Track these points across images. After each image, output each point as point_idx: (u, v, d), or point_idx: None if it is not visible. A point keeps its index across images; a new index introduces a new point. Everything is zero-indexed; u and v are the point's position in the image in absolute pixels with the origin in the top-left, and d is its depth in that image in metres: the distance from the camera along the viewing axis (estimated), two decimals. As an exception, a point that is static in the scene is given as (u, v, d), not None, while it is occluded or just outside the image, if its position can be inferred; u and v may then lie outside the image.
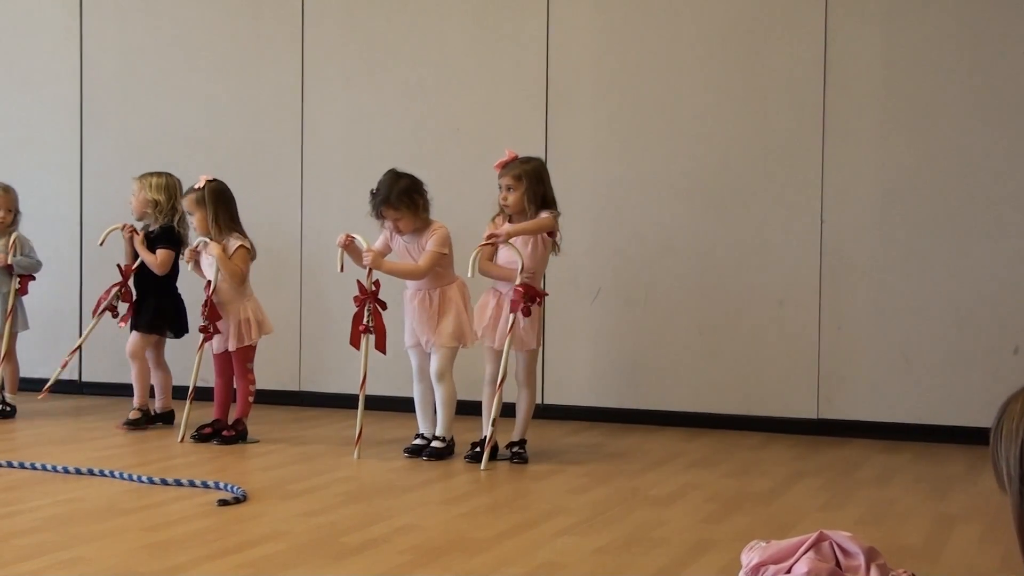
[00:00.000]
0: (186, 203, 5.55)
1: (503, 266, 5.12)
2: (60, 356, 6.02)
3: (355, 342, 5.18)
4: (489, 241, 5.10)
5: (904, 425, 5.81)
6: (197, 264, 5.53)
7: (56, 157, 7.07)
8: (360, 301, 5.14)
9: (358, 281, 5.15)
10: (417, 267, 5.14)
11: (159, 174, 5.90)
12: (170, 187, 5.86)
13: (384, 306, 5.15)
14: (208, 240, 5.46)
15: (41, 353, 6.61)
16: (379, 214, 5.19)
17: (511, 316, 5.02)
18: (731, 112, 6.05)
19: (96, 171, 7.01)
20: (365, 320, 5.12)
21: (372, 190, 5.19)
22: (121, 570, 3.33)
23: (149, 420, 5.83)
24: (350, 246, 5.20)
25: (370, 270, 5.13)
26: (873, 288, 5.87)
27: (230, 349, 5.48)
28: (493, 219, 5.22)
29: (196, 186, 5.51)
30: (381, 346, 5.16)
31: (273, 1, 6.74)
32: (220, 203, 5.49)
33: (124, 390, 5.93)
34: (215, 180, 5.53)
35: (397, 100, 6.54)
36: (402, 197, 5.13)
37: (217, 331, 5.44)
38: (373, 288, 5.13)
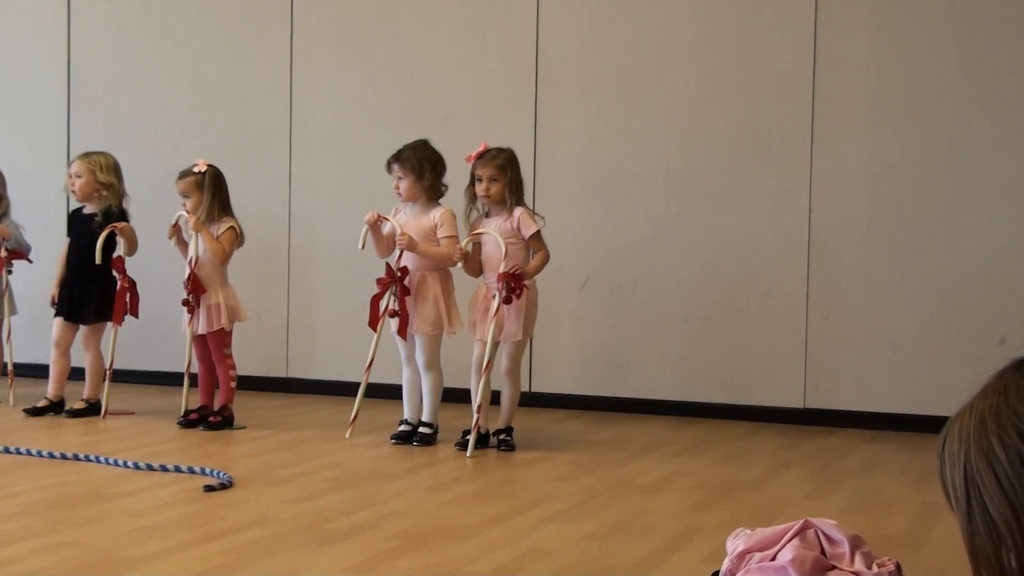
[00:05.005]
0: (182, 185, 5.52)
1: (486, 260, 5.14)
2: (46, 342, 5.98)
3: (374, 324, 5.16)
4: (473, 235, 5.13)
5: (890, 415, 5.82)
6: (180, 239, 5.52)
7: (43, 141, 7.04)
8: (385, 283, 5.12)
9: (387, 264, 5.14)
10: (448, 253, 5.14)
11: (103, 154, 5.81)
12: (118, 167, 5.82)
13: (407, 291, 5.12)
14: (187, 215, 5.45)
15: (28, 338, 6.57)
16: (388, 166, 5.22)
17: (496, 305, 5.01)
18: (720, 102, 6.05)
19: (83, 155, 6.98)
20: (387, 302, 5.10)
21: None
22: (106, 555, 3.32)
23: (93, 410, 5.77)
24: (376, 226, 5.16)
25: (401, 253, 5.11)
26: (860, 278, 5.88)
27: (201, 332, 5.47)
28: (468, 217, 5.19)
29: (196, 169, 5.49)
30: (403, 331, 5.13)
31: (262, -14, 6.72)
32: (218, 189, 5.50)
33: (114, 376, 5.89)
34: (212, 165, 5.53)
35: (386, 87, 6.52)
36: (414, 158, 5.16)
37: (198, 304, 5.43)
38: (400, 273, 5.10)
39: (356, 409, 5.18)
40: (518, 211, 5.10)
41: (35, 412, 5.70)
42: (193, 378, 5.60)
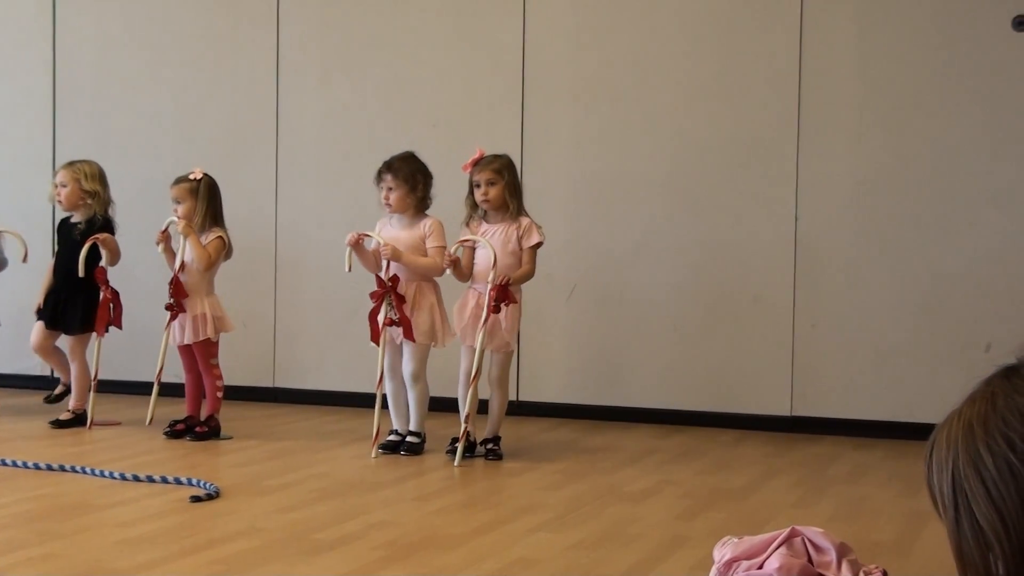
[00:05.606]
0: (176, 191, 5.50)
1: (479, 266, 5.13)
2: (31, 353, 5.94)
3: (375, 338, 5.14)
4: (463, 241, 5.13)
5: (877, 422, 5.83)
6: (167, 246, 5.50)
7: (29, 150, 7.02)
8: (379, 296, 5.11)
9: (377, 276, 5.13)
10: (435, 263, 5.14)
11: (88, 162, 5.80)
12: (103, 175, 5.81)
13: (403, 299, 5.11)
14: (177, 219, 5.43)
15: (11, 349, 6.55)
16: (379, 176, 5.21)
17: (485, 315, 5.01)
18: (706, 108, 6.06)
19: (69, 165, 6.95)
20: (386, 313, 5.09)
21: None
22: (93, 566, 3.31)
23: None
24: (358, 245, 5.15)
25: (388, 264, 5.10)
26: (847, 285, 5.89)
27: (185, 342, 5.46)
28: (468, 224, 5.20)
29: (192, 176, 5.48)
30: (409, 335, 5.11)
31: (248, -5, 6.71)
32: (211, 199, 5.50)
33: (99, 386, 5.85)
34: (208, 175, 5.52)
35: (373, 95, 6.52)
36: (406, 169, 5.16)
37: (183, 309, 5.41)
38: (391, 283, 5.10)
39: (377, 424, 5.12)
40: (525, 220, 5.12)
41: (55, 399, 5.86)
42: (165, 386, 5.57)
